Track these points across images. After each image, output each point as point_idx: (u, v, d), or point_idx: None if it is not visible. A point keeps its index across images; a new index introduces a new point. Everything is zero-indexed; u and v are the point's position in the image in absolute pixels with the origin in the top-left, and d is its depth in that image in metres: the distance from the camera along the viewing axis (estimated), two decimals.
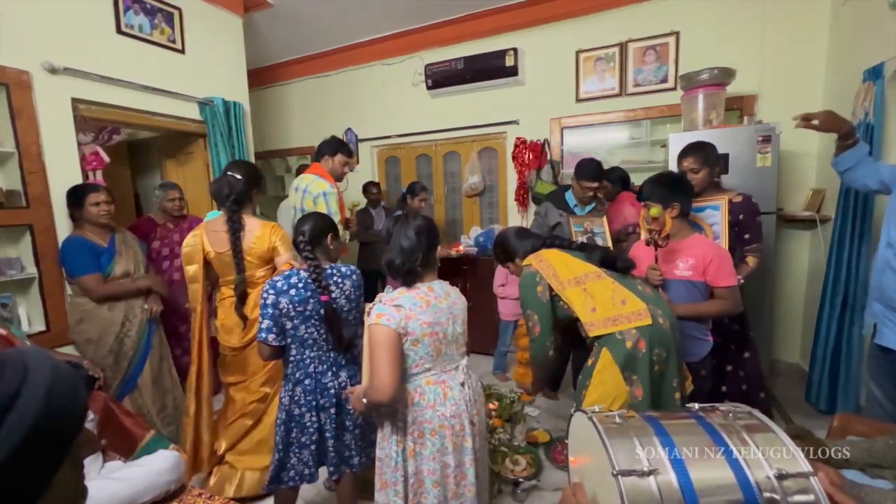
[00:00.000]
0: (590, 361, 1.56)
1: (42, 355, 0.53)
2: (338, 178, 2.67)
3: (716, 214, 1.97)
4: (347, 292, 1.59)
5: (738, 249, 2.03)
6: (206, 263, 2.00)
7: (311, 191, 2.51)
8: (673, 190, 1.72)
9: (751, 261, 2.02)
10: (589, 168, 2.55)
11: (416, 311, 1.26)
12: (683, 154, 2.05)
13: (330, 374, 1.59)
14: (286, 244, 1.97)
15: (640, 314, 1.49)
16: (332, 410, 1.58)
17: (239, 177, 1.92)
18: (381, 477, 1.37)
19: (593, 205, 2.69)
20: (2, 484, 0.45)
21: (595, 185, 2.55)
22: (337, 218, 2.55)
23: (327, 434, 1.58)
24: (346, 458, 1.64)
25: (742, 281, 1.92)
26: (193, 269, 1.99)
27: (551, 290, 1.63)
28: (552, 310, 1.65)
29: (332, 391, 1.58)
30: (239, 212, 1.91)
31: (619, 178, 2.95)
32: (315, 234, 1.57)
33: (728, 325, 2.06)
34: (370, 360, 1.27)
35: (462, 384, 1.35)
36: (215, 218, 2.00)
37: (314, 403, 1.56)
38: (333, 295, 1.54)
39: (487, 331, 3.41)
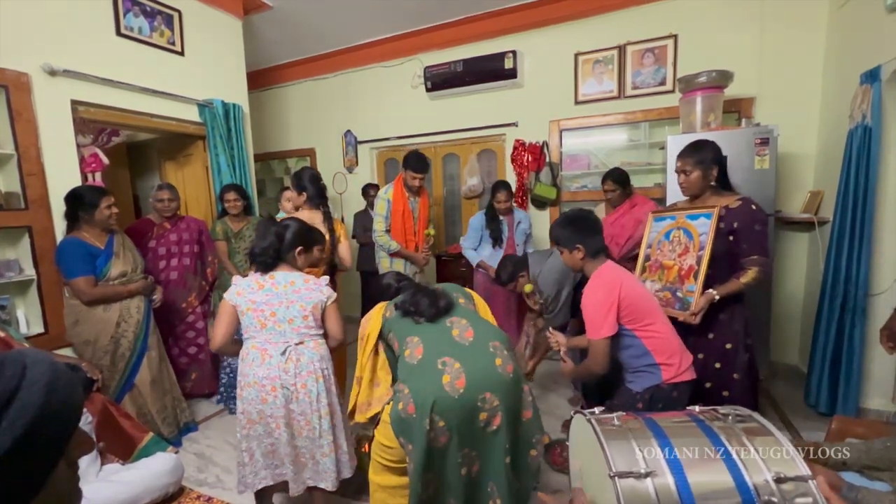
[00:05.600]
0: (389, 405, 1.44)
1: (40, 354, 0.53)
2: (409, 189, 3.00)
3: (708, 223, 1.77)
4: None
5: (742, 261, 1.78)
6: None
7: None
8: (572, 232, 1.67)
9: (744, 277, 1.75)
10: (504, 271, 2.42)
11: (245, 290, 1.63)
12: (678, 155, 1.91)
13: None
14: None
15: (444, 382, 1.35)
16: None
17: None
18: None
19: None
20: (1, 478, 0.45)
21: (510, 286, 2.43)
22: (378, 220, 3.00)
23: None
24: None
25: (716, 298, 1.74)
26: None
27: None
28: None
29: None
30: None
31: (623, 178, 2.84)
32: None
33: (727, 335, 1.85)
34: None
35: (283, 353, 1.60)
36: (300, 214, 2.45)
37: None
38: None
39: None
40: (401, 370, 1.45)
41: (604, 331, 1.54)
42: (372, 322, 1.63)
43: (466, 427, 1.34)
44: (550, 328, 2.03)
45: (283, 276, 1.66)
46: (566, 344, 1.91)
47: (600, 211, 3.06)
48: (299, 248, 1.72)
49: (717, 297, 1.74)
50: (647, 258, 2.03)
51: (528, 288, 2.21)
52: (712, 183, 1.86)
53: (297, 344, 1.64)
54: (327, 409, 1.66)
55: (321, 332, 1.73)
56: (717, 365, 1.87)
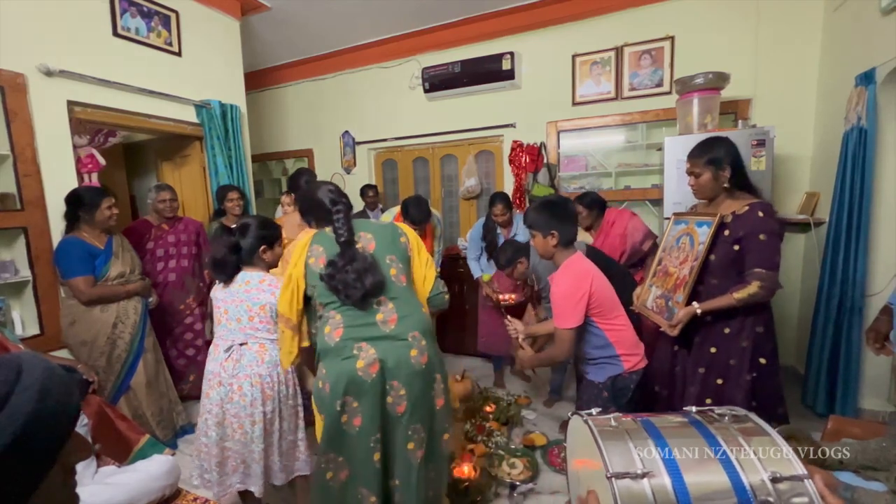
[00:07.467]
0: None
1: (36, 358, 0.52)
2: None
3: (708, 232, 1.63)
4: None
5: (745, 273, 1.61)
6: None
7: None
8: (549, 217, 1.64)
9: (739, 292, 1.55)
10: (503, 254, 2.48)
11: (217, 287, 1.75)
12: (687, 156, 1.73)
13: None
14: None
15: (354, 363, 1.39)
16: None
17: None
18: None
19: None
20: None
21: (507, 270, 2.48)
22: None
23: None
24: None
25: (698, 312, 1.59)
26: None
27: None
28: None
29: None
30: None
31: (593, 202, 2.70)
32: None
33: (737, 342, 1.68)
34: None
35: (226, 350, 1.66)
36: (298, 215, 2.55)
37: None
38: None
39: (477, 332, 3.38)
40: (320, 344, 1.46)
41: (572, 321, 1.57)
42: (296, 262, 1.48)
43: (377, 410, 1.40)
44: (509, 316, 2.02)
45: (242, 276, 1.72)
46: (524, 331, 1.89)
47: (582, 235, 2.84)
48: (262, 248, 1.73)
49: (699, 312, 1.60)
50: (660, 262, 1.91)
51: (486, 277, 2.48)
52: (725, 185, 1.66)
53: (240, 344, 1.68)
54: (261, 416, 1.63)
55: (274, 336, 1.69)
56: (719, 381, 1.71)
